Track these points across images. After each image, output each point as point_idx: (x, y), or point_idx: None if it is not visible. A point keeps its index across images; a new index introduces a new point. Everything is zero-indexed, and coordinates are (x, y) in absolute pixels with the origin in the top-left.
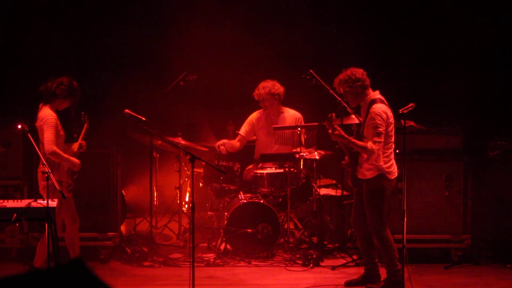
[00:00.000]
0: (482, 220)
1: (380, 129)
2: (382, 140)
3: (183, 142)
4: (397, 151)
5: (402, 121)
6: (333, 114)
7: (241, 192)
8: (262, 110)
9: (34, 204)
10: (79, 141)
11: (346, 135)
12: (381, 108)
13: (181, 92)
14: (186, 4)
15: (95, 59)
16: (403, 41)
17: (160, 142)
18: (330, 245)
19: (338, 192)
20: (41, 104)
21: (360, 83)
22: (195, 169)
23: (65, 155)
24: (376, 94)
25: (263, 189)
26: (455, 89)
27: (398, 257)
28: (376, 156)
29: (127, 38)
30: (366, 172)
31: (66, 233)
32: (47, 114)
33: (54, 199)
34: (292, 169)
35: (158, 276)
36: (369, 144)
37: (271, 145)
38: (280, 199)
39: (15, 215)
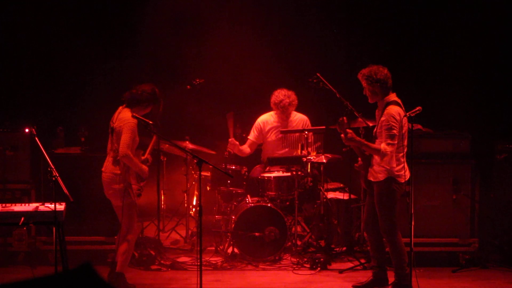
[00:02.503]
0: (490, 223)
1: (394, 131)
2: (396, 142)
3: (190, 145)
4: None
5: (410, 124)
6: (344, 118)
7: (248, 196)
8: (269, 113)
9: (41, 208)
10: (146, 155)
11: (358, 138)
12: (396, 110)
13: (188, 96)
14: (195, 9)
15: (100, 62)
16: (410, 45)
17: (167, 145)
18: (337, 249)
19: (346, 196)
20: (121, 107)
21: (379, 84)
22: (202, 173)
23: (137, 161)
24: (394, 97)
25: (270, 193)
26: (462, 92)
27: (407, 261)
28: (389, 158)
29: (134, 41)
30: (377, 175)
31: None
32: (129, 117)
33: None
34: (299, 173)
35: (166, 279)
36: (383, 146)
37: (278, 148)
38: (288, 203)
39: (22, 218)
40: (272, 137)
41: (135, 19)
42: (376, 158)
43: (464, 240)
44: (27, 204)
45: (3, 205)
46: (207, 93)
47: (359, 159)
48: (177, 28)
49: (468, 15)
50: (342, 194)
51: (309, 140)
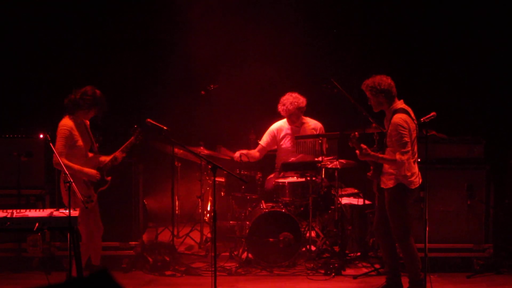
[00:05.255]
0: (504, 229)
1: (405, 139)
2: (409, 148)
3: (205, 151)
4: (419, 160)
5: (424, 130)
6: (356, 133)
7: (262, 201)
8: (283, 120)
9: (56, 213)
10: (116, 153)
11: (373, 153)
12: (402, 118)
13: (203, 101)
14: (209, 15)
15: (116, 67)
16: (424, 50)
17: (182, 151)
18: (352, 254)
19: (360, 201)
20: (65, 114)
21: (383, 94)
22: (216, 178)
23: (75, 166)
24: (400, 104)
25: (284, 198)
26: (476, 97)
27: (421, 266)
28: (408, 165)
29: (147, 47)
30: (387, 182)
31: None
32: (62, 124)
33: (76, 209)
34: (313, 178)
35: (180, 285)
36: (398, 156)
37: (293, 155)
38: (302, 208)
39: (37, 224)
40: (286, 144)
41: (148, 25)
42: (386, 166)
43: (478, 246)
44: (41, 210)
45: (18, 210)
46: (222, 99)
47: (371, 167)
48: (190, 33)
49: (483, 21)
50: (356, 199)
51: (324, 147)
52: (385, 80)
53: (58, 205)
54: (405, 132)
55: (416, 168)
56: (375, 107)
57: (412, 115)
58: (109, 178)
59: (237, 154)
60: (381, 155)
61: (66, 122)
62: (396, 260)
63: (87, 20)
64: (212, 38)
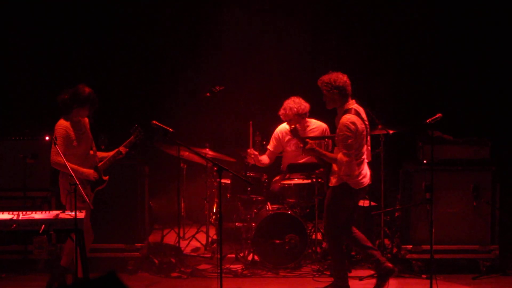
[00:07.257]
0: (510, 230)
1: (350, 141)
2: (352, 151)
3: (210, 153)
4: (425, 161)
5: (430, 132)
6: (298, 125)
7: (268, 203)
8: (288, 123)
9: (62, 215)
10: (121, 147)
11: (317, 148)
12: (350, 119)
13: (208, 103)
14: (214, 17)
15: (122, 70)
16: (430, 51)
17: (187, 153)
18: (357, 256)
19: (366, 203)
20: (60, 115)
21: (337, 91)
22: (222, 180)
23: (72, 165)
24: (352, 104)
25: (290, 200)
26: (482, 98)
27: (345, 269)
28: (348, 167)
29: (155, 49)
30: (333, 179)
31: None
32: (58, 125)
33: (81, 211)
34: (319, 180)
35: (186, 287)
36: (339, 156)
37: (298, 157)
38: (308, 210)
39: (43, 226)
40: (291, 147)
41: (154, 28)
42: (334, 166)
43: (484, 247)
44: (47, 212)
45: (24, 212)
46: (227, 101)
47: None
48: (196, 35)
49: (489, 21)
50: (362, 201)
51: (329, 148)
52: (341, 78)
53: (64, 207)
54: (349, 134)
55: (363, 169)
56: (328, 104)
57: (364, 115)
58: (106, 177)
59: (249, 151)
60: (323, 152)
61: (62, 123)
62: (372, 250)
63: (96, 24)
64: (216, 40)
